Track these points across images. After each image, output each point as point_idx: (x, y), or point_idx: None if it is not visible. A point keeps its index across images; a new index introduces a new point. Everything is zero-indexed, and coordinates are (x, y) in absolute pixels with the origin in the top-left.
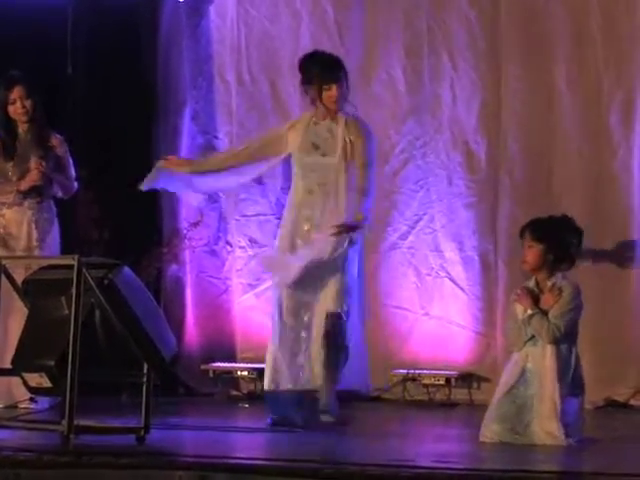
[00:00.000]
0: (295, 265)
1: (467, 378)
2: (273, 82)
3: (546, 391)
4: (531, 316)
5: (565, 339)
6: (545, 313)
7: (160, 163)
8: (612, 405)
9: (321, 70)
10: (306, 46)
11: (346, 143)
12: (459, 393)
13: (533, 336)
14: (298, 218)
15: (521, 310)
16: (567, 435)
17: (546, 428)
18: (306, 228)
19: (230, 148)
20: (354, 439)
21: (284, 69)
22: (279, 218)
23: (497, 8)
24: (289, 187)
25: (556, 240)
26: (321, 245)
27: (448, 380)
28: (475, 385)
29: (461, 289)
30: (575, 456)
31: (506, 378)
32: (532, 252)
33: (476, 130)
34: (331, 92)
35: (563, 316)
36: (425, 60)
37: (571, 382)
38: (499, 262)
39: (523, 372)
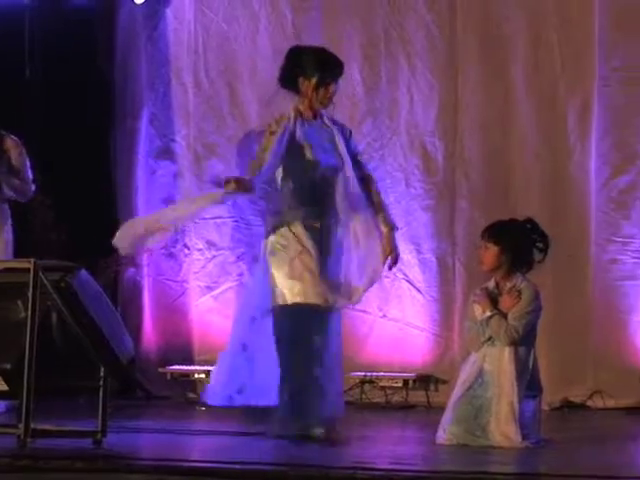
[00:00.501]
0: None
1: (425, 380)
2: (231, 85)
3: (503, 393)
4: (489, 317)
5: (523, 341)
6: (504, 315)
7: (231, 186)
8: (569, 406)
9: (326, 65)
10: (264, 49)
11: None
12: (417, 395)
13: (491, 337)
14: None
15: (479, 311)
16: (524, 437)
17: (503, 430)
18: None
19: None
20: (313, 442)
21: (242, 72)
22: (237, 221)
23: (454, 11)
24: None
25: (513, 242)
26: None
27: (406, 382)
28: (433, 387)
29: (419, 291)
30: (532, 457)
31: (463, 379)
32: (488, 253)
33: (433, 132)
34: (329, 90)
35: (522, 318)
36: (382, 63)
37: (529, 384)
38: (457, 264)
39: (480, 373)
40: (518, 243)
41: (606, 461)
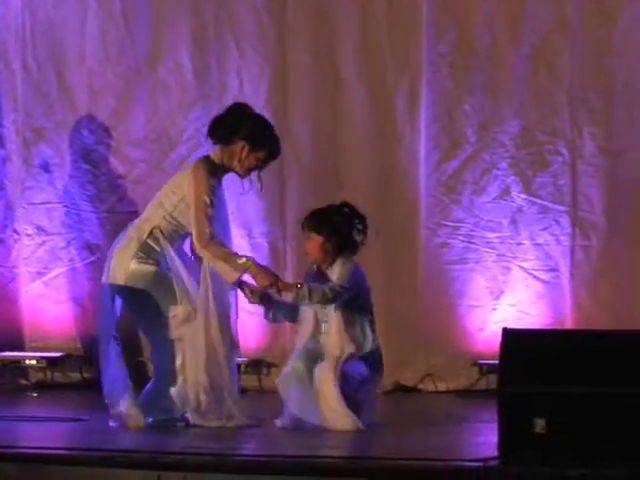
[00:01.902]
0: None
1: (257, 365)
2: (59, 71)
3: (328, 377)
4: (299, 291)
5: (353, 318)
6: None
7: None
8: (400, 389)
9: (275, 142)
10: (93, 35)
11: None
12: (249, 379)
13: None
14: None
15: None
16: (358, 418)
17: (333, 412)
18: None
19: None
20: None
21: (71, 58)
22: (67, 206)
23: None
24: (76, 175)
25: (333, 229)
26: None
27: (238, 366)
28: (265, 371)
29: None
30: (365, 440)
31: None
32: (311, 244)
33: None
34: (258, 162)
35: (339, 281)
36: (212, 48)
37: (370, 364)
38: (287, 248)
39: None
40: (339, 228)
41: (437, 443)
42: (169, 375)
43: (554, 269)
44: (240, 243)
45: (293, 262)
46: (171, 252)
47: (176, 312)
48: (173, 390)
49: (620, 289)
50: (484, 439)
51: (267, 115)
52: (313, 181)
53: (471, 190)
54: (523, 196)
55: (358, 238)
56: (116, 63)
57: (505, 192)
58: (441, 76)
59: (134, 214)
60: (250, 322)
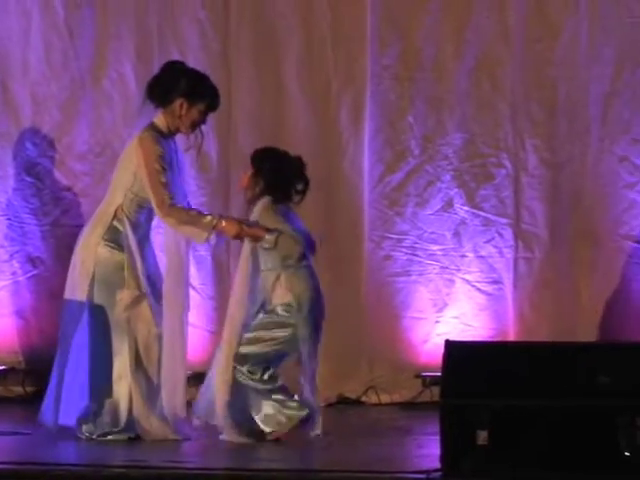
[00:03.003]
0: None
1: (199, 377)
2: (2, 82)
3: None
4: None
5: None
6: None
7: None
8: (344, 402)
9: (212, 92)
10: (36, 46)
11: None
12: (191, 392)
13: None
14: None
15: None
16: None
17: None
18: None
19: None
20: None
21: (14, 69)
22: (10, 219)
23: (228, 8)
24: (20, 188)
25: (269, 167)
26: None
27: None
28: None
29: (194, 288)
30: (308, 452)
31: None
32: (246, 176)
33: (207, 130)
34: (200, 116)
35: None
36: (156, 59)
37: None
38: (231, 261)
39: None
40: (274, 169)
41: (381, 455)
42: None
43: (497, 281)
44: None
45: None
46: (129, 233)
47: (122, 295)
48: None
49: (562, 301)
50: (427, 451)
51: (212, 130)
52: None
53: (414, 202)
54: (466, 208)
55: (293, 193)
56: (60, 75)
57: (448, 204)
58: (385, 88)
59: (78, 227)
60: (193, 335)
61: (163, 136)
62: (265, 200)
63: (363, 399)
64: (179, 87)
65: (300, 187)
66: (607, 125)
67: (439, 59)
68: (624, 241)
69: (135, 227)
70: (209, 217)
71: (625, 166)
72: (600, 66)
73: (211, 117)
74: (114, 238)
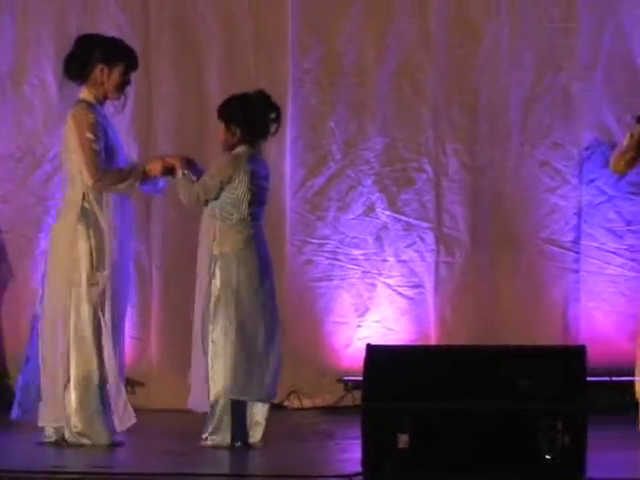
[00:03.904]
0: None
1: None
2: None
3: None
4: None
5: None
6: None
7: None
8: None
9: (131, 54)
10: None
11: None
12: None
13: None
14: None
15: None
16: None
17: None
18: None
19: None
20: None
21: None
22: None
23: (147, 12)
24: None
25: (240, 113)
26: None
27: None
28: (130, 389)
29: None
30: (232, 457)
31: None
32: (221, 130)
33: (128, 134)
34: (122, 78)
35: (203, 181)
36: None
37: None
38: (153, 267)
39: None
40: (244, 113)
41: (303, 460)
42: None
43: (418, 285)
44: None
45: (158, 280)
46: (97, 212)
47: (94, 280)
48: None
49: (483, 305)
50: (349, 455)
51: (132, 135)
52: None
53: (336, 207)
54: (388, 213)
55: (270, 125)
56: None
57: (370, 209)
58: (306, 93)
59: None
60: None
61: (93, 107)
62: (238, 149)
63: (285, 404)
64: (95, 55)
65: (273, 115)
66: (528, 130)
67: (360, 64)
68: (545, 245)
69: (106, 206)
70: (133, 170)
71: (546, 170)
72: (521, 71)
73: (132, 122)
74: (88, 220)
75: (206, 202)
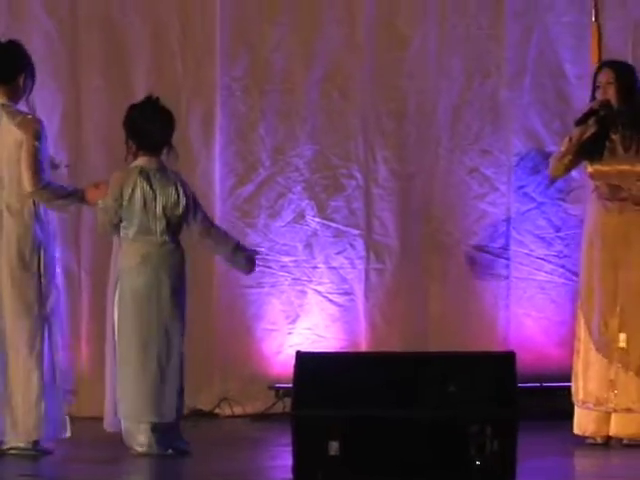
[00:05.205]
0: None
1: None
2: None
3: None
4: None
5: None
6: None
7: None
8: (197, 414)
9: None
10: None
11: None
12: None
13: None
14: None
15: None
16: None
17: None
18: None
19: None
20: None
21: None
22: None
23: (75, 18)
24: None
25: (128, 128)
26: None
27: None
28: None
29: None
30: (161, 465)
31: None
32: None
33: (57, 141)
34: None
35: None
36: None
37: None
38: (82, 273)
39: None
40: (132, 128)
41: (234, 468)
42: None
43: (349, 292)
44: None
45: (88, 286)
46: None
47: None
48: None
49: (413, 311)
50: (280, 462)
51: (61, 140)
52: None
53: (266, 214)
54: (318, 220)
55: (157, 137)
56: None
57: (300, 216)
58: (235, 100)
59: None
60: None
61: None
62: (137, 161)
63: (216, 411)
64: (22, 63)
65: (157, 126)
66: (457, 136)
67: (289, 71)
68: (474, 251)
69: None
70: (74, 192)
71: (475, 177)
72: (449, 77)
73: (61, 127)
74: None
75: (116, 226)
